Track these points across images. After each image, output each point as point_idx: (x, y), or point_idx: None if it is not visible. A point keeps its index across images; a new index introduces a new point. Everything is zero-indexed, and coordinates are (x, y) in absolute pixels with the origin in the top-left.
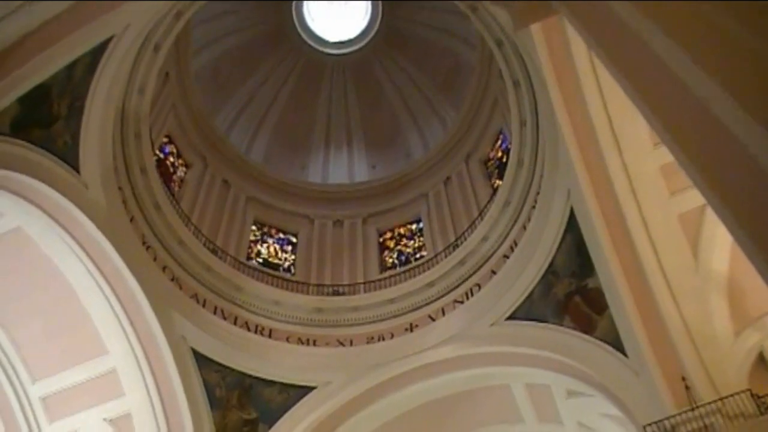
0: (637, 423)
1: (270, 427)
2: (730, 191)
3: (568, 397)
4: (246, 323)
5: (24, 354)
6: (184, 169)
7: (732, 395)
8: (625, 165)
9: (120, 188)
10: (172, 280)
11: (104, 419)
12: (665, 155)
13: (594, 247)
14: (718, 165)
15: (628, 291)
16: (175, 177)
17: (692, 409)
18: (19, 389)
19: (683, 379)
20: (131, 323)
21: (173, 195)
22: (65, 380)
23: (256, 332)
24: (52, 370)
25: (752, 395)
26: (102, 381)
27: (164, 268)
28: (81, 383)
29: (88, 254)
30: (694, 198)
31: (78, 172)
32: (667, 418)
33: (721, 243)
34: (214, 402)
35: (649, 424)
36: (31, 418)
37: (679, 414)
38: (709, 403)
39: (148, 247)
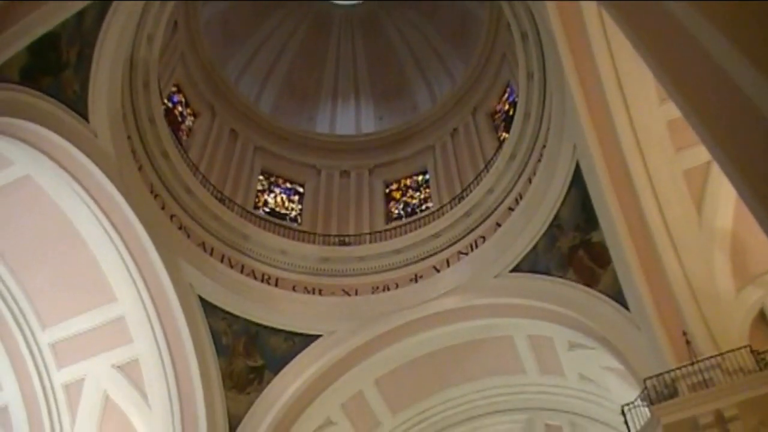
0: (638, 376)
1: (275, 374)
2: (736, 147)
3: (570, 349)
4: (253, 272)
5: (34, 301)
6: (192, 118)
7: (732, 351)
8: (631, 120)
9: (129, 137)
10: (180, 228)
11: (112, 365)
12: (672, 111)
13: (599, 202)
14: (725, 120)
15: (631, 245)
16: (183, 126)
17: (692, 364)
18: (29, 336)
19: (684, 333)
20: (139, 271)
21: (181, 144)
22: (74, 327)
23: (262, 281)
24: (61, 317)
25: (752, 351)
26: (110, 328)
27: (172, 217)
28: (90, 330)
29: (96, 202)
30: (700, 154)
31: (87, 120)
32: (668, 372)
33: (725, 200)
34: (220, 349)
35: (650, 378)
36: (41, 364)
37: (679, 368)
38: (709, 357)
39: (156, 196)
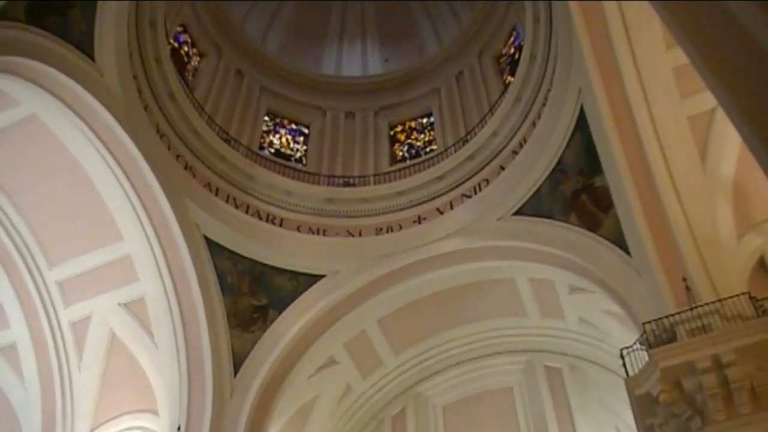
0: (637, 320)
1: (280, 313)
2: (742, 92)
3: (571, 293)
4: (258, 212)
5: (41, 240)
6: (198, 58)
7: (731, 297)
8: (637, 65)
9: (135, 77)
10: (186, 168)
11: (119, 303)
12: (678, 57)
13: (602, 146)
14: (732, 64)
15: (634, 191)
16: (189, 66)
17: (691, 309)
18: (36, 274)
19: (684, 279)
20: (145, 210)
21: (187, 84)
22: (81, 265)
23: (267, 221)
24: (68, 255)
25: (751, 298)
26: (117, 266)
27: (178, 157)
28: (96, 268)
29: (103, 142)
30: (705, 101)
31: (93, 60)
32: (667, 317)
33: (729, 147)
34: (225, 288)
35: (649, 322)
36: (48, 302)
37: (678, 313)
38: (708, 303)
39: (162, 136)
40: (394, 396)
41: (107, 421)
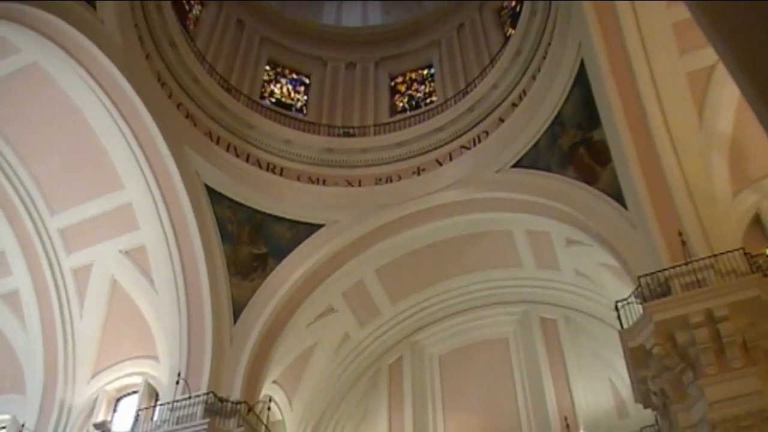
0: (632, 273)
1: (279, 261)
2: (743, 44)
3: (567, 245)
4: (258, 161)
5: (42, 187)
6: (199, 7)
7: (726, 252)
8: (637, 20)
9: (136, 25)
10: (187, 117)
11: (120, 251)
12: (678, 13)
13: (601, 100)
14: (733, 17)
15: (631, 145)
16: (190, 15)
17: (686, 264)
18: (38, 221)
19: (680, 234)
20: (146, 158)
21: (188, 33)
22: (82, 213)
23: (267, 170)
24: (69, 203)
25: (745, 254)
26: (118, 214)
27: (179, 105)
28: (97, 216)
29: (104, 90)
30: (704, 57)
31: (94, 8)
32: (661, 271)
33: (727, 104)
34: (225, 236)
35: (644, 275)
36: (50, 250)
37: (673, 267)
38: (703, 258)
39: (163, 84)
40: (391, 345)
41: (108, 366)
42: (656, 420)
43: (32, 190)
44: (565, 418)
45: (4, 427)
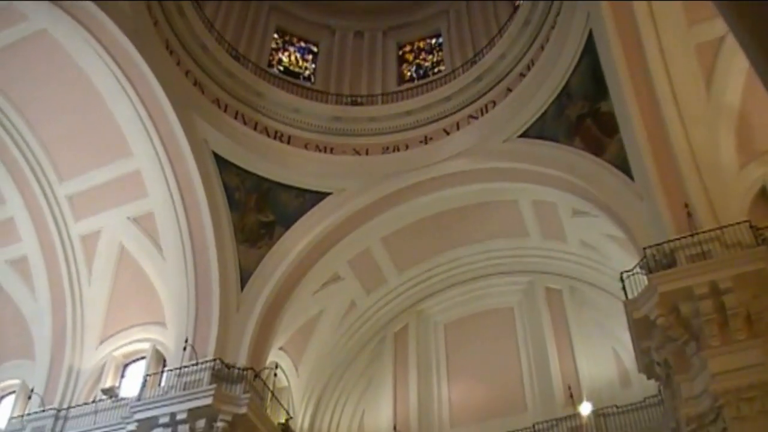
0: (638, 245)
1: (286, 229)
2: (753, 14)
3: (573, 216)
4: (266, 129)
5: (51, 154)
6: None
7: (732, 225)
8: None
9: None
10: (195, 84)
11: (128, 218)
12: None
13: (609, 71)
14: None
15: (639, 116)
16: None
17: (692, 235)
18: (47, 188)
19: (686, 205)
20: (155, 126)
21: (196, 1)
22: (91, 180)
23: (275, 138)
24: (78, 170)
25: (751, 226)
26: (126, 181)
27: (187, 73)
28: (106, 183)
29: (112, 57)
30: (713, 29)
31: None
32: (667, 242)
33: (735, 76)
34: (233, 204)
35: (649, 247)
36: (59, 216)
37: (679, 239)
38: (709, 230)
39: (171, 52)
40: (396, 313)
41: (116, 332)
42: (659, 390)
43: (41, 157)
44: (569, 388)
45: (13, 392)
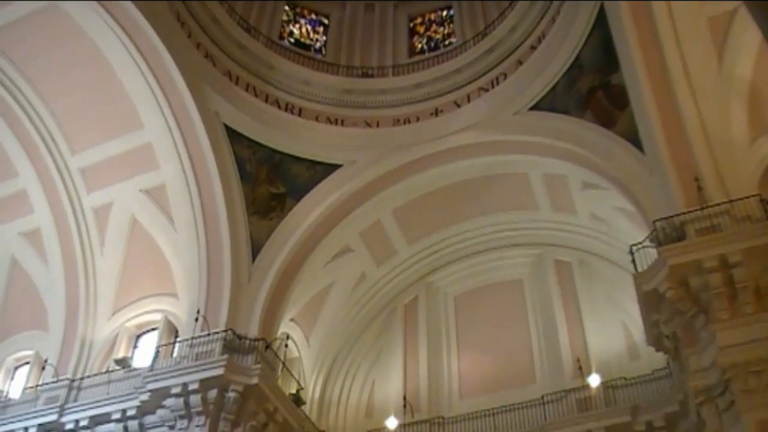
0: (648, 218)
1: (297, 201)
2: None
3: (583, 189)
4: (277, 101)
5: (63, 127)
6: None
7: (742, 199)
8: None
9: None
10: (206, 56)
11: (140, 190)
12: None
13: (621, 44)
14: None
15: (650, 89)
16: None
17: (702, 209)
18: (59, 160)
19: (696, 179)
20: (166, 98)
21: None
22: (103, 152)
23: (286, 110)
24: (90, 142)
25: (761, 200)
26: (138, 154)
27: (198, 45)
28: (118, 156)
29: (124, 30)
30: (725, 2)
31: None
32: (677, 215)
33: (747, 49)
34: (244, 176)
35: (659, 219)
36: (71, 188)
37: (689, 212)
38: (719, 204)
39: (182, 24)
40: (406, 285)
41: (129, 303)
42: (667, 363)
43: (53, 130)
44: (578, 360)
45: (27, 362)
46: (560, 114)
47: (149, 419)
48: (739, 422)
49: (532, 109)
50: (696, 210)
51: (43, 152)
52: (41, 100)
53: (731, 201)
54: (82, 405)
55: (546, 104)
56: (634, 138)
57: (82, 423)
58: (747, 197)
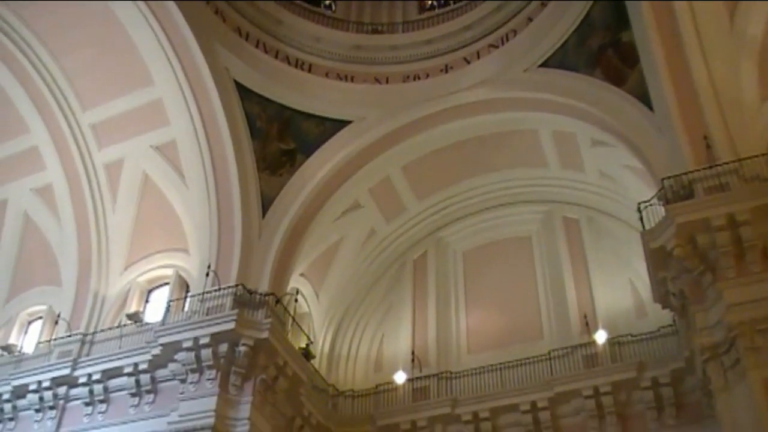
0: (656, 176)
1: (307, 157)
2: None
3: (592, 146)
4: (287, 57)
5: (74, 83)
6: None
7: (750, 157)
8: None
9: None
10: (216, 12)
11: (151, 146)
12: None
13: (631, 1)
14: None
15: (660, 47)
16: None
17: (710, 167)
18: (70, 117)
19: (705, 137)
20: (176, 54)
21: None
22: (113, 109)
23: (296, 66)
24: (101, 99)
25: None
26: (148, 110)
27: (208, 1)
28: (128, 112)
29: None
30: None
31: None
32: (685, 174)
33: (759, 8)
34: (254, 132)
35: (667, 178)
36: (82, 145)
37: (697, 170)
38: (728, 162)
39: None
40: (416, 240)
41: (141, 259)
42: (674, 320)
43: (64, 86)
44: (585, 316)
45: (41, 317)
46: (570, 71)
47: (161, 373)
48: (745, 379)
49: (541, 66)
50: (704, 168)
51: (54, 108)
52: (52, 58)
53: (740, 160)
54: (95, 359)
55: (556, 61)
56: (643, 96)
57: (95, 377)
58: (755, 156)
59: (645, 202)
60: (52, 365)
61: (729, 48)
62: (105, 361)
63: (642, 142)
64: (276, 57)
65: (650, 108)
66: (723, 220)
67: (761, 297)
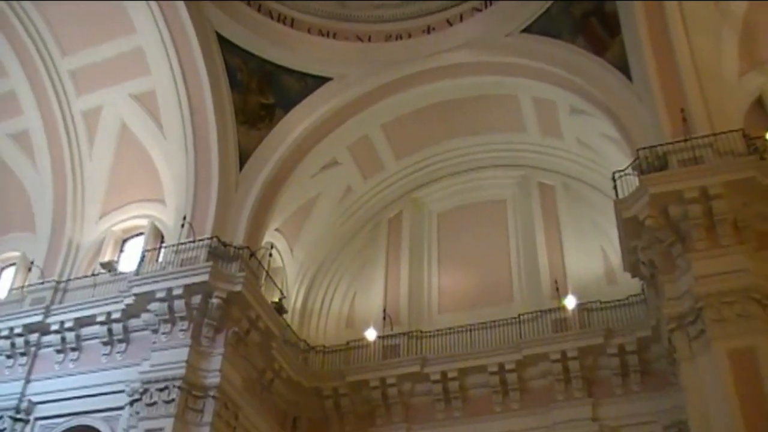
0: (633, 146)
1: (286, 112)
2: None
3: (571, 114)
4: (270, 12)
5: (54, 29)
6: None
7: (725, 132)
8: None
9: None
10: None
11: (130, 95)
12: None
13: None
14: None
15: (643, 18)
16: None
17: (685, 140)
18: (49, 62)
19: (682, 110)
20: (158, 4)
21: None
22: (93, 56)
23: (279, 21)
24: (81, 45)
25: (745, 135)
26: (128, 59)
27: None
28: (108, 60)
29: None
30: None
31: None
32: (661, 145)
33: None
34: (235, 85)
35: (643, 148)
36: (60, 91)
37: (673, 143)
38: (703, 136)
39: None
40: (392, 199)
41: (116, 208)
42: (643, 289)
43: (43, 31)
44: (555, 282)
45: (14, 264)
46: (552, 38)
47: (133, 323)
48: (709, 350)
49: (524, 31)
50: (680, 141)
51: (33, 53)
52: (31, 3)
53: (715, 134)
54: (68, 307)
55: (539, 27)
56: (623, 66)
57: (67, 324)
58: (730, 131)
59: (620, 171)
60: (24, 312)
61: (711, 23)
62: (78, 309)
63: (620, 112)
64: (259, 11)
65: (629, 78)
66: (696, 192)
67: (730, 270)
